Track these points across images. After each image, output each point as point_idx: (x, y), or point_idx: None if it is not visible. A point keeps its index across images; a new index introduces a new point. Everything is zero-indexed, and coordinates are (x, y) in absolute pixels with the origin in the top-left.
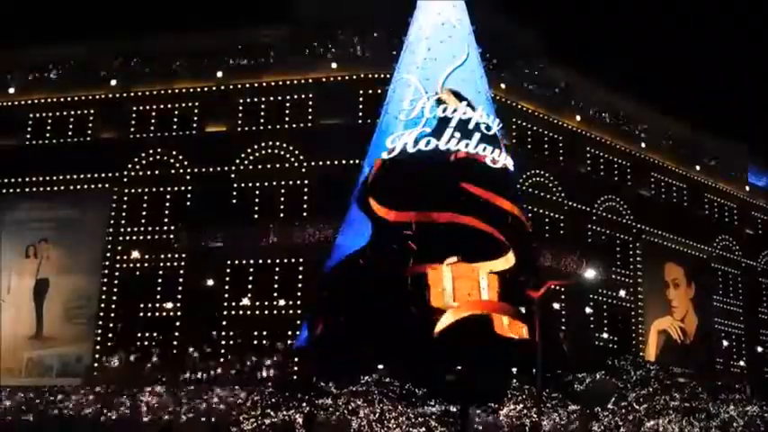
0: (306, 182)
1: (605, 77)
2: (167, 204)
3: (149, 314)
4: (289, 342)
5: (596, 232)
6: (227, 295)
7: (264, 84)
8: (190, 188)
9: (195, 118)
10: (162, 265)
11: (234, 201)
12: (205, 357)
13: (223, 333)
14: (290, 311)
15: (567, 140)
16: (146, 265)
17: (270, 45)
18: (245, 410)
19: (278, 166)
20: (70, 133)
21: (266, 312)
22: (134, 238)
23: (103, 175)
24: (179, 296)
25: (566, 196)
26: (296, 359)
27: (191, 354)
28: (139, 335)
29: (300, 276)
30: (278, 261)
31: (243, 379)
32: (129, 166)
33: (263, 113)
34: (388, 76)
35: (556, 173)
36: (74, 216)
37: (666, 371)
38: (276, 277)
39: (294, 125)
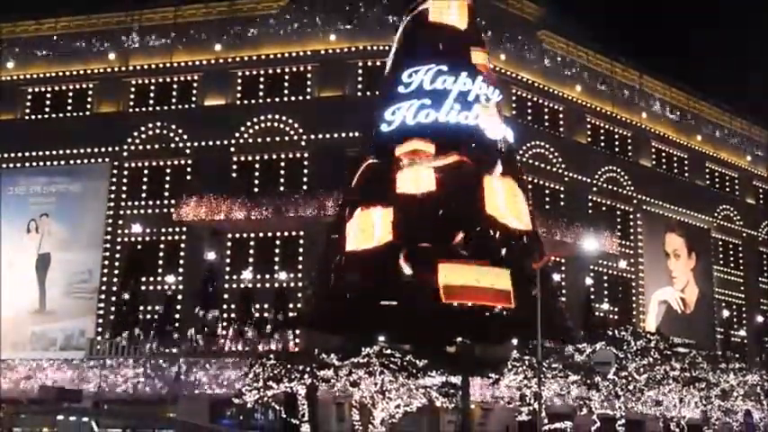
0: (305, 154)
1: (605, 47)
2: (167, 178)
3: (151, 288)
4: (290, 315)
5: (597, 203)
6: (228, 269)
7: (263, 56)
8: (190, 161)
9: (194, 91)
10: (163, 238)
11: (234, 174)
12: (207, 330)
13: (224, 306)
14: (291, 284)
15: (567, 111)
16: (147, 238)
17: (268, 17)
18: (248, 383)
19: (277, 138)
20: (69, 107)
21: (267, 285)
22: (135, 211)
23: (103, 149)
24: (180, 269)
25: (566, 167)
26: (297, 331)
27: (192, 327)
28: (141, 308)
29: (301, 249)
30: (278, 234)
31: (245, 352)
32: (129, 139)
33: (262, 86)
34: (387, 47)
35: (556, 144)
36: (74, 190)
37: (667, 341)
38: (276, 250)
39: (293, 97)
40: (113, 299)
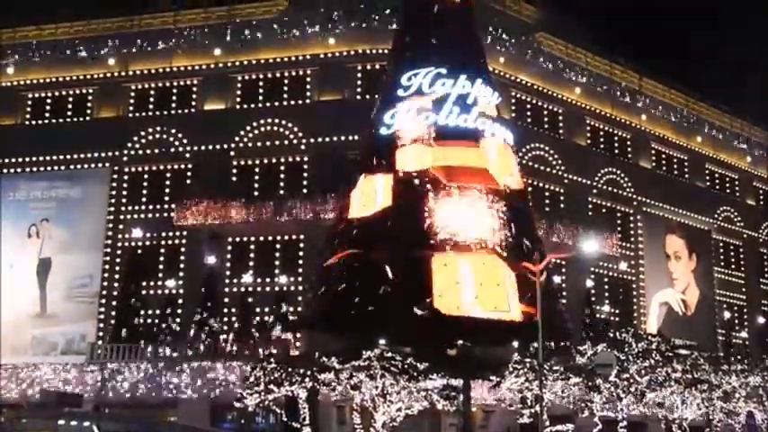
0: (305, 158)
1: (604, 49)
2: (167, 182)
3: (151, 292)
4: (291, 318)
5: (597, 205)
6: (228, 272)
7: (263, 60)
8: (189, 166)
9: (194, 96)
10: (163, 242)
11: (233, 178)
12: (207, 334)
13: (225, 310)
14: (292, 288)
15: (566, 113)
16: (147, 243)
17: (268, 21)
18: (249, 386)
19: (277, 142)
20: (69, 113)
21: (267, 289)
22: (135, 216)
23: (103, 153)
24: (180, 273)
25: (566, 169)
26: (298, 335)
27: (193, 331)
28: (141, 312)
29: (301, 252)
30: (278, 238)
31: (245, 355)
32: (129, 144)
33: (261, 90)
34: (386, 51)
35: (556, 146)
36: (75, 195)
37: (668, 343)
38: (277, 254)
39: (293, 101)
40: (114, 303)
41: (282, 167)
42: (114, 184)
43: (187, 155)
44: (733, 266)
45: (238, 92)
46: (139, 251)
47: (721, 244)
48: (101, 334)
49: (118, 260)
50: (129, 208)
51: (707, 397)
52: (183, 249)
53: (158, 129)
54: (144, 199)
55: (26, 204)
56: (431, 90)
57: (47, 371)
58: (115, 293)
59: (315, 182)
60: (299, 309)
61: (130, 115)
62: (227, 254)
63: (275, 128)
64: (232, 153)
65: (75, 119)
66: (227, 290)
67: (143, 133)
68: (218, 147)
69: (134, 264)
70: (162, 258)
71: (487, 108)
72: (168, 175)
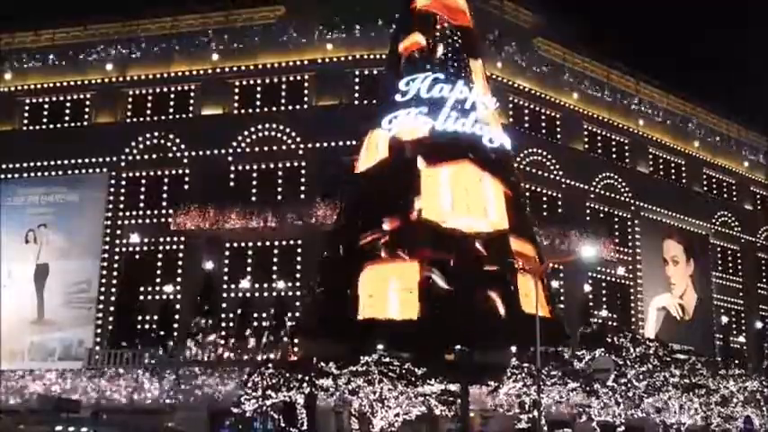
0: (303, 163)
1: (602, 54)
2: (165, 187)
3: (149, 297)
4: (289, 324)
5: (594, 210)
6: (226, 278)
7: (260, 65)
8: (187, 171)
9: (192, 101)
10: (161, 248)
11: (231, 183)
12: (205, 339)
13: (223, 315)
14: (290, 293)
15: (564, 118)
16: (145, 248)
17: (266, 26)
18: (247, 392)
19: (275, 147)
20: (67, 118)
21: (265, 294)
22: (132, 221)
23: (101, 159)
24: (178, 279)
25: (563, 174)
26: (296, 340)
27: (190, 336)
28: (139, 318)
29: (299, 258)
30: (276, 243)
31: (243, 360)
32: (127, 150)
33: (259, 95)
34: (384, 56)
35: (553, 151)
36: (72, 200)
37: (666, 347)
38: (275, 259)
39: (291, 107)
40: (112, 308)
41: (280, 172)
42: (112, 190)
43: (185, 160)
44: (731, 271)
45: (236, 97)
46: (137, 256)
47: (719, 249)
48: (98, 340)
49: (115, 266)
50: (127, 213)
51: (705, 402)
52: (180, 255)
53: (156, 134)
54: (142, 204)
55: (24, 210)
56: (428, 95)
57: (44, 377)
58: (113, 299)
59: (313, 187)
60: (297, 314)
61: (128, 120)
62: (225, 259)
63: (273, 133)
64: (230, 158)
65: (72, 124)
66: (225, 295)
67: (141, 138)
68: (215, 152)
69: (132, 269)
70: (160, 264)
71: (485, 113)
72: (166, 180)
